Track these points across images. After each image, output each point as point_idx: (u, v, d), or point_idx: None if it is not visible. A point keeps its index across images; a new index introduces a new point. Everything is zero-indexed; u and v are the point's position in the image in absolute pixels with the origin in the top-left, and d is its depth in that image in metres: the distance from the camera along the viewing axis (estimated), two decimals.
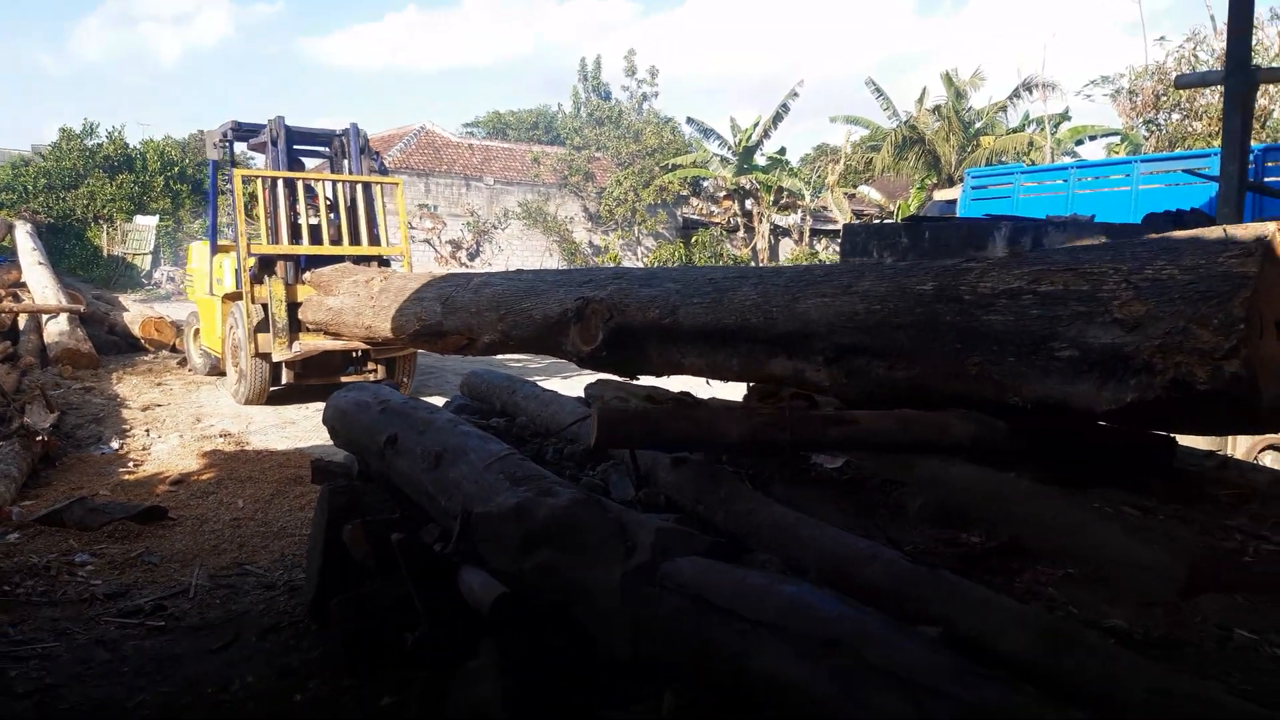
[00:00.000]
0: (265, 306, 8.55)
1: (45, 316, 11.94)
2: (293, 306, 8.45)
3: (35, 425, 6.89)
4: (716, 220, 33.26)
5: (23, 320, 11.92)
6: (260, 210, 9.53)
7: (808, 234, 31.92)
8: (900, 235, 9.63)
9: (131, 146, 30.31)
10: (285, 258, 8.83)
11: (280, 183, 9.03)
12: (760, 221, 31.57)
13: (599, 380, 4.17)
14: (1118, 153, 25.01)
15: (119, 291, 20.12)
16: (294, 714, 2.78)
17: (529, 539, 2.36)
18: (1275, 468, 5.09)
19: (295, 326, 8.44)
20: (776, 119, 31.01)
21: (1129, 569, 1.96)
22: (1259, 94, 15.14)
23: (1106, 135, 27.77)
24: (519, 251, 31.83)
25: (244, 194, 9.20)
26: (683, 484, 2.67)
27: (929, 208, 19.94)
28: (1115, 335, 2.00)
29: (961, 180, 17.30)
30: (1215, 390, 1.86)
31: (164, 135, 32.20)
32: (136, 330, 13.01)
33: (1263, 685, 1.55)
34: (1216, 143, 7.73)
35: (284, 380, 9.02)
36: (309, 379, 9.08)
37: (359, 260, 8.76)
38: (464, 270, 24.69)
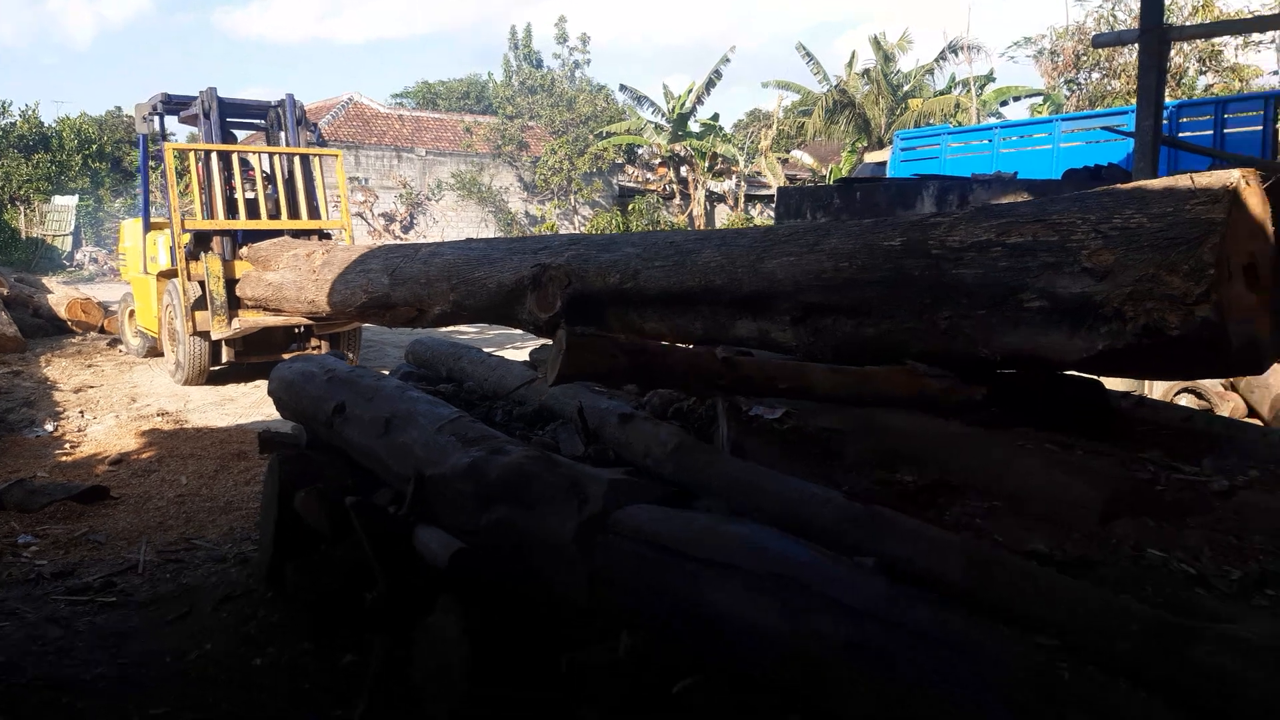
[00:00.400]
0: (202, 284, 8.39)
1: None
2: (231, 283, 8.29)
3: None
4: (652, 187, 33.26)
5: None
6: (194, 185, 9.33)
7: (742, 199, 32.11)
8: (833, 197, 9.82)
9: (47, 125, 29.38)
10: (222, 233, 8.64)
11: (214, 156, 8.85)
12: (696, 188, 31.65)
13: (543, 345, 4.23)
14: (1040, 112, 25.51)
15: (40, 274, 19.56)
16: (255, 677, 2.82)
17: (484, 496, 2.44)
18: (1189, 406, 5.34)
19: (234, 303, 8.29)
20: (709, 85, 31.06)
21: (1050, 499, 2.10)
22: (1172, 52, 15.58)
23: (1030, 96, 28.33)
24: (454, 223, 31.49)
25: (176, 168, 8.98)
26: (630, 439, 2.76)
27: (860, 169, 20.24)
28: (1085, 284, 2.01)
29: (891, 142, 17.58)
30: (1187, 335, 1.89)
31: (80, 113, 31.33)
32: (63, 312, 12.72)
33: (1169, 597, 1.70)
34: (1134, 100, 7.99)
35: (224, 359, 8.88)
36: (250, 357, 8.94)
37: (298, 235, 8.61)
38: (400, 243, 24.36)
